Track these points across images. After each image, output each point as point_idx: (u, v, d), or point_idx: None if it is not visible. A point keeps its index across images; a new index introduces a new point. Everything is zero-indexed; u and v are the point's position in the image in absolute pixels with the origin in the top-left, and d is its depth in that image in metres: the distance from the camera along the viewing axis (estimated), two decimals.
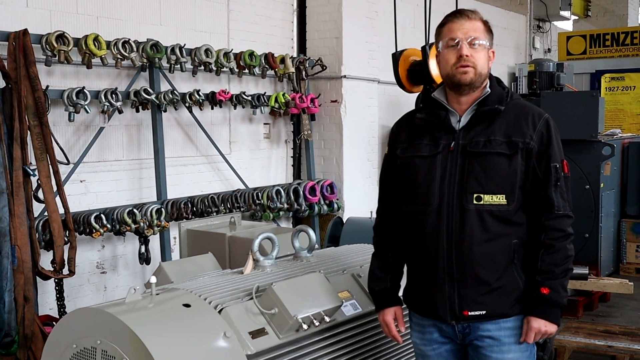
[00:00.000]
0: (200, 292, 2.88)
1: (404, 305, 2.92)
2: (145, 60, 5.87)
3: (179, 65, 6.12)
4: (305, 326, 2.83)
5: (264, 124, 7.55)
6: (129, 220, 5.57)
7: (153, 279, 2.81)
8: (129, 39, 5.71)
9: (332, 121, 7.77)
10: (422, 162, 2.72)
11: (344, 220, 6.00)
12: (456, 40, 2.64)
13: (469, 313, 2.63)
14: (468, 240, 2.60)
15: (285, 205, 6.98)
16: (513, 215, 2.62)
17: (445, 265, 2.64)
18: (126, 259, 6.16)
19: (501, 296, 2.63)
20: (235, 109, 6.84)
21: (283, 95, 7.13)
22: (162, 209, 5.84)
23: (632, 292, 6.25)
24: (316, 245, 3.59)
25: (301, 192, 7.19)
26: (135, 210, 5.65)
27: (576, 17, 14.44)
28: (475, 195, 2.61)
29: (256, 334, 2.77)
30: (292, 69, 7.25)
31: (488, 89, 2.71)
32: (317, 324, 2.89)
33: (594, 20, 15.76)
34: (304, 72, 7.45)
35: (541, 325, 2.61)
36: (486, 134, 2.65)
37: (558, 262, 2.60)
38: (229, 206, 6.47)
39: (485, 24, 2.73)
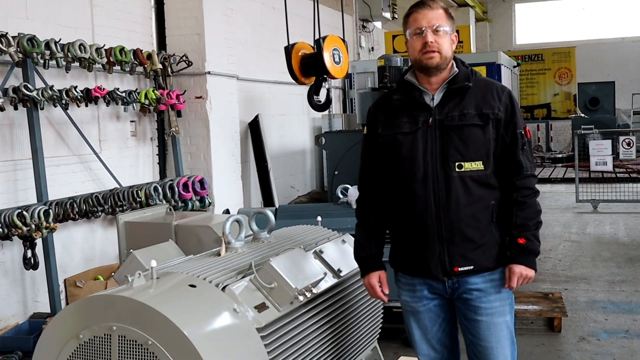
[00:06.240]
0: (196, 273, 2.91)
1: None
2: (20, 55, 5.57)
3: (54, 61, 5.86)
4: (301, 298, 2.98)
5: (131, 121, 7.39)
6: (19, 223, 5.26)
7: (153, 263, 2.81)
8: (6, 33, 5.38)
9: (198, 117, 7.78)
10: (405, 138, 2.98)
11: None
12: (422, 29, 2.93)
13: (459, 269, 2.93)
14: (454, 203, 2.89)
15: (164, 202, 6.90)
16: (490, 178, 2.93)
17: (435, 228, 2.92)
18: (5, 267, 5.78)
19: (485, 252, 2.94)
20: (108, 106, 6.64)
21: (153, 91, 7.04)
22: (50, 210, 5.57)
23: None
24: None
25: (176, 189, 7.14)
26: (25, 212, 5.34)
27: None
28: (457, 164, 2.90)
29: (260, 308, 2.87)
30: (159, 65, 7.17)
31: (456, 69, 3.01)
32: (308, 295, 3.05)
33: (399, 21, 16.95)
34: (169, 69, 7.40)
35: (522, 270, 2.91)
36: (459, 109, 2.95)
37: (531, 216, 2.93)
38: (111, 205, 6.30)
39: (446, 11, 3.01)
